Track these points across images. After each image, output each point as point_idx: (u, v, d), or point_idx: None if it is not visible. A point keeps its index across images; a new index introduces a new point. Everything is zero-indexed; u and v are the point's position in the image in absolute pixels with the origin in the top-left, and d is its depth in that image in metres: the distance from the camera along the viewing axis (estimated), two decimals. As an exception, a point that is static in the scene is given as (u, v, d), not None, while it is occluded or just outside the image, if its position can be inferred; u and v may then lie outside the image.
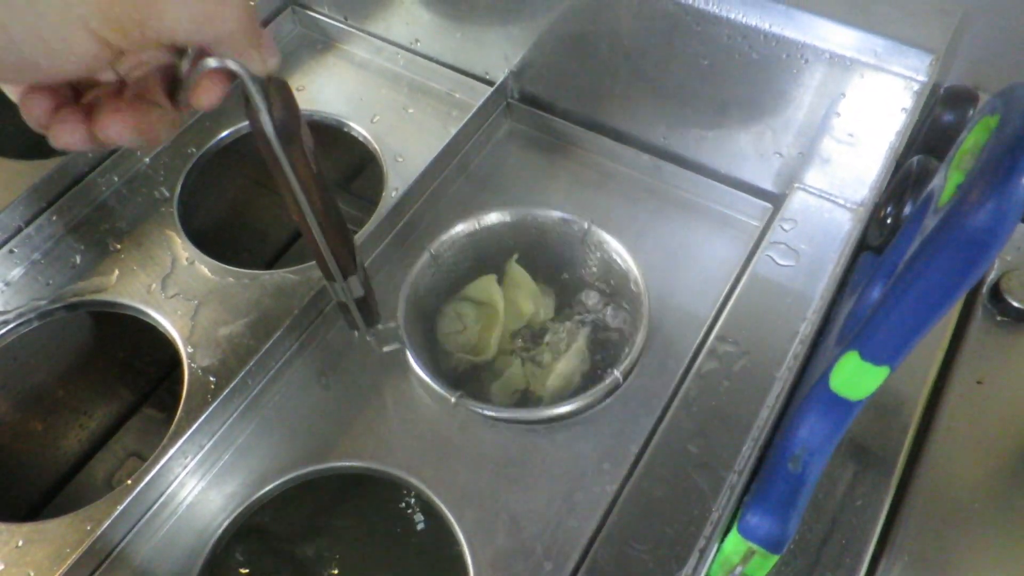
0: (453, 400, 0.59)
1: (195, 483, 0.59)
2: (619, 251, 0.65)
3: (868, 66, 0.58)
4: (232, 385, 0.59)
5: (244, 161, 0.82)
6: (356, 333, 0.60)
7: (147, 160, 0.75)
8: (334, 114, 0.79)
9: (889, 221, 0.55)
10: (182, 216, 0.72)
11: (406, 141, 0.77)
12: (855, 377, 0.40)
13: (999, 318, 0.62)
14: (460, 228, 0.68)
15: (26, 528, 0.56)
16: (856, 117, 0.61)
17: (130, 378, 0.84)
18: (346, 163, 0.93)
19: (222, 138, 0.77)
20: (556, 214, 0.68)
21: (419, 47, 0.82)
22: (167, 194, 0.73)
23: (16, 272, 0.68)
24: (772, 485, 0.44)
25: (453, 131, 0.73)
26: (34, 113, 0.34)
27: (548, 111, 0.78)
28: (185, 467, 0.58)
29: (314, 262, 0.66)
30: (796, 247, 0.65)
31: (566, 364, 0.63)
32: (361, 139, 0.78)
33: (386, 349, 0.62)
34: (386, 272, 0.69)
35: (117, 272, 0.68)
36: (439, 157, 0.72)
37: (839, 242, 0.65)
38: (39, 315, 0.66)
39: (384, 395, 0.62)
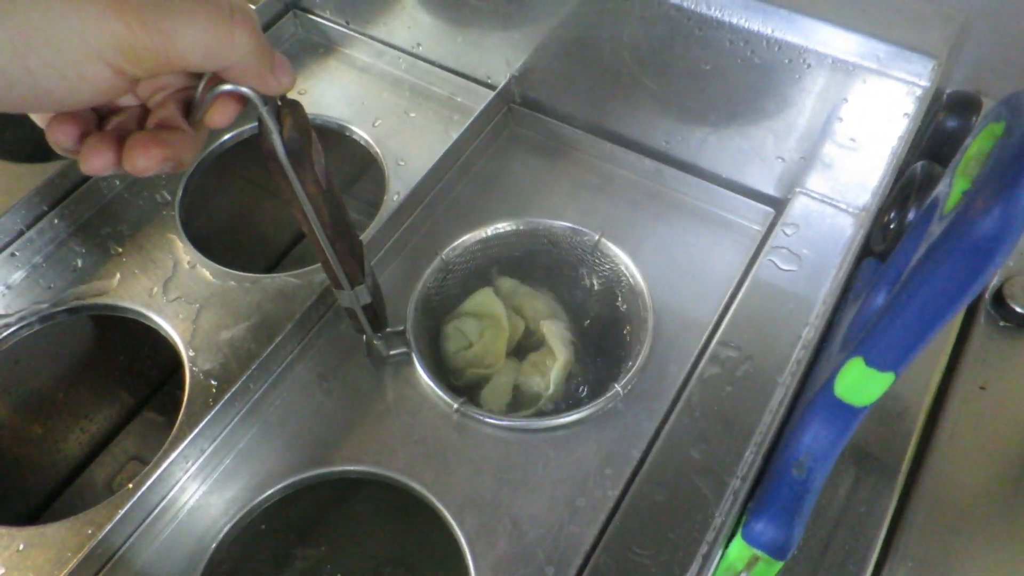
0: (456, 406, 0.59)
1: (196, 487, 0.58)
2: (626, 262, 0.66)
3: (870, 71, 0.58)
4: (234, 389, 0.59)
5: (245, 165, 0.82)
6: (364, 337, 0.60)
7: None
8: (336, 118, 0.79)
9: (892, 227, 0.55)
10: (183, 220, 0.72)
11: (408, 145, 0.77)
12: (860, 383, 0.40)
13: (1002, 323, 0.62)
14: (471, 235, 0.68)
15: (27, 532, 0.55)
16: (858, 122, 0.61)
17: (130, 382, 0.83)
18: (348, 167, 0.93)
19: (223, 142, 0.77)
20: (566, 224, 0.68)
21: (421, 51, 0.82)
22: (168, 198, 0.73)
23: (17, 275, 0.68)
24: (776, 491, 0.44)
25: (455, 135, 0.73)
26: (60, 140, 0.35)
27: (550, 115, 0.77)
28: (186, 471, 0.58)
29: (316, 265, 0.67)
30: (798, 252, 0.65)
31: (555, 364, 0.64)
32: (363, 143, 0.78)
33: (392, 353, 0.62)
34: (387, 276, 0.69)
35: (118, 276, 0.68)
36: (441, 161, 0.72)
37: (841, 247, 0.65)
38: (40, 318, 0.66)
39: (386, 399, 0.62)
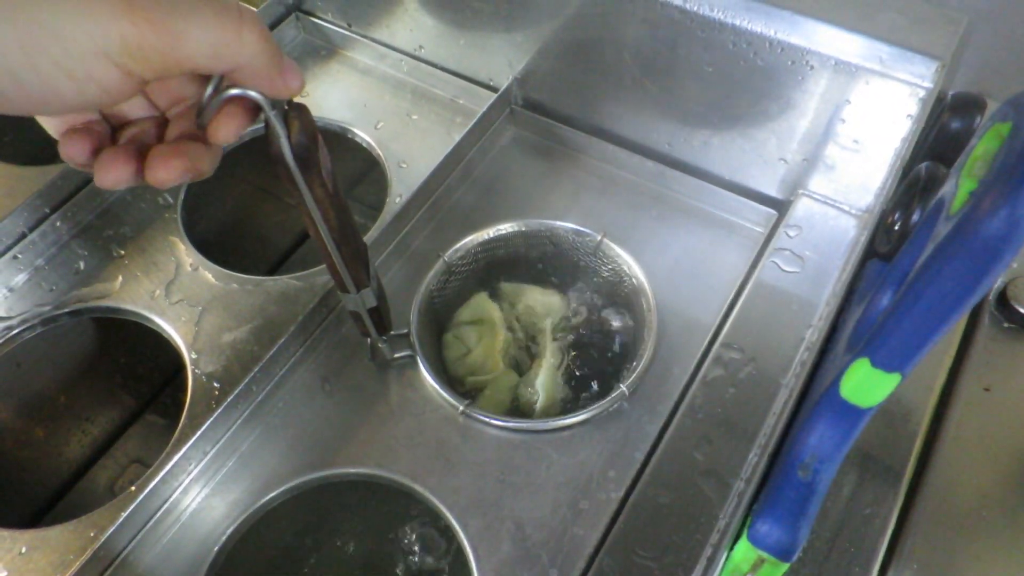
0: (461, 408, 0.59)
1: (199, 490, 0.58)
2: (629, 263, 0.66)
3: (874, 73, 0.58)
4: (236, 391, 0.59)
5: (247, 167, 0.82)
6: (368, 340, 0.60)
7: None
8: (338, 120, 0.79)
9: (897, 228, 0.55)
10: (186, 222, 0.72)
11: (410, 147, 0.77)
12: (865, 384, 0.40)
13: (1006, 325, 0.62)
14: (473, 236, 0.68)
15: (29, 535, 0.55)
16: (861, 124, 0.61)
17: (132, 384, 0.83)
18: (350, 169, 0.93)
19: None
20: (569, 225, 0.68)
21: (423, 53, 0.82)
22: (171, 200, 0.73)
23: (20, 278, 0.68)
24: (782, 493, 0.44)
25: (457, 137, 0.73)
26: (73, 154, 0.35)
27: (552, 117, 0.77)
28: (189, 474, 0.58)
29: (318, 267, 0.67)
30: (801, 254, 0.65)
31: (546, 368, 0.64)
32: (365, 145, 0.78)
33: (397, 356, 0.62)
34: (389, 278, 0.69)
35: (121, 278, 0.68)
36: (443, 163, 0.72)
37: (845, 248, 0.65)
38: (43, 321, 0.66)
39: (388, 402, 0.62)
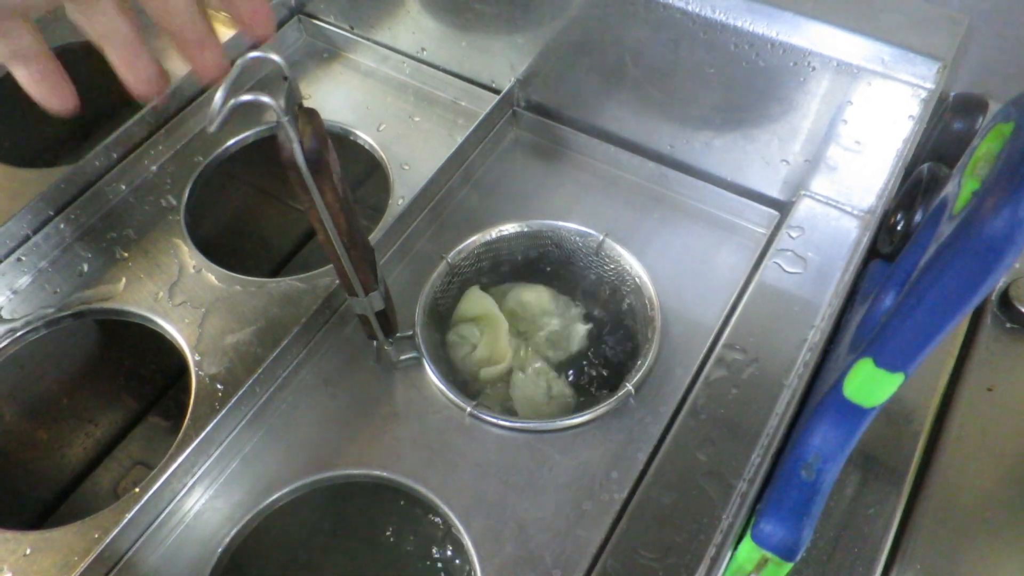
0: (468, 410, 0.59)
1: (203, 491, 0.58)
2: (632, 264, 0.66)
3: (875, 74, 0.58)
4: (240, 393, 0.59)
5: (250, 170, 0.82)
6: (375, 343, 0.60)
7: (154, 169, 0.76)
8: (340, 122, 0.79)
9: (899, 228, 0.55)
10: (189, 224, 0.72)
11: (412, 149, 0.77)
12: (869, 384, 0.40)
13: (1008, 325, 0.62)
14: (476, 237, 0.68)
15: (33, 536, 0.55)
16: (863, 125, 0.61)
17: (135, 386, 0.83)
18: (352, 171, 0.93)
19: (228, 147, 0.77)
20: (571, 226, 0.68)
21: (425, 56, 0.82)
22: (174, 202, 0.74)
23: (24, 280, 0.68)
24: (785, 492, 0.44)
25: (459, 139, 0.73)
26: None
27: (554, 119, 0.78)
28: (193, 475, 0.58)
29: (321, 270, 0.67)
30: (803, 255, 0.65)
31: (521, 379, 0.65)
32: (367, 147, 0.78)
33: (403, 358, 0.62)
34: (392, 280, 0.69)
35: (124, 280, 0.68)
36: (445, 165, 0.72)
37: (847, 249, 0.65)
38: (46, 323, 0.66)
39: (391, 403, 0.62)
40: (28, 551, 0.55)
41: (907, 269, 0.46)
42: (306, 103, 0.77)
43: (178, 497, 0.57)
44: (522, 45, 0.74)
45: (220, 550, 0.56)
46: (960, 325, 0.62)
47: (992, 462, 0.55)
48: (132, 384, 0.83)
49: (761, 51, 0.61)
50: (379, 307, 0.55)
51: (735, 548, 0.48)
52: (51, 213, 0.70)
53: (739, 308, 0.63)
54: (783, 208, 0.69)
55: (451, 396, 0.61)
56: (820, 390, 0.46)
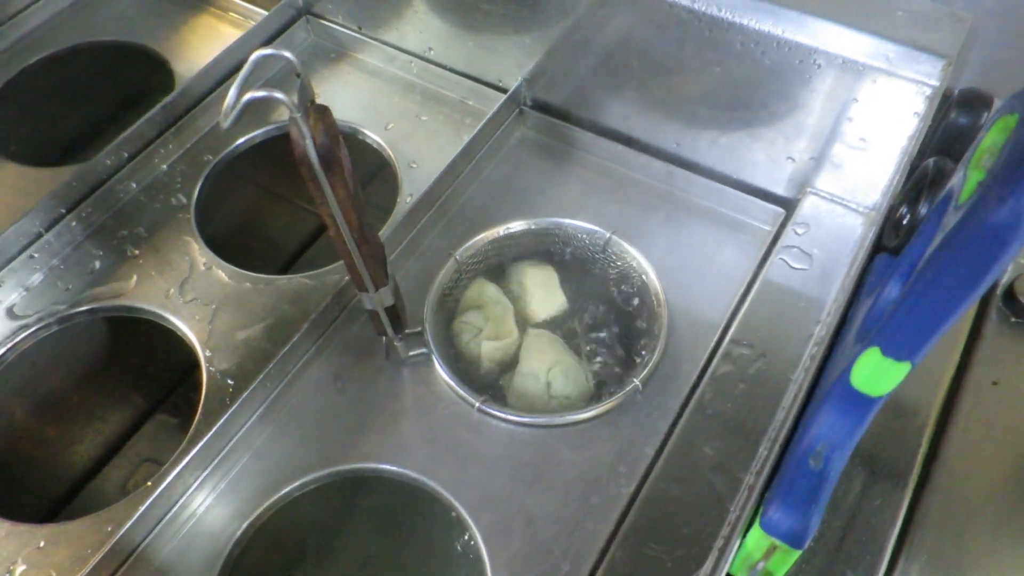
0: (477, 404, 0.60)
1: (214, 485, 0.59)
2: (639, 261, 0.66)
3: (880, 71, 0.59)
4: (251, 388, 0.59)
5: (259, 168, 0.82)
6: (384, 339, 0.61)
7: (164, 167, 0.76)
8: (348, 122, 0.80)
9: (905, 222, 0.56)
10: (199, 222, 0.73)
11: (420, 148, 0.78)
12: (876, 373, 0.40)
13: (1013, 320, 0.62)
14: (484, 235, 0.69)
15: (47, 529, 0.56)
16: (868, 122, 0.62)
17: (144, 384, 0.84)
18: (360, 170, 0.93)
19: (238, 145, 0.78)
20: (579, 223, 0.69)
21: (432, 55, 0.82)
22: (184, 200, 0.74)
23: (36, 278, 0.69)
24: (793, 481, 0.44)
25: (466, 138, 0.74)
26: None
27: (560, 118, 0.78)
28: (205, 469, 0.58)
29: (330, 267, 0.68)
30: (809, 251, 0.66)
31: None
32: (375, 146, 0.79)
33: (412, 354, 0.63)
34: (401, 277, 0.70)
35: (135, 277, 0.69)
36: (453, 164, 0.73)
37: (852, 246, 0.66)
38: (58, 320, 0.67)
39: (400, 398, 0.63)
40: (42, 543, 0.55)
41: (913, 260, 0.46)
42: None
43: (190, 491, 0.58)
44: (529, 44, 0.75)
45: (231, 543, 0.56)
46: (965, 319, 0.62)
47: (997, 454, 0.56)
48: (141, 382, 0.83)
49: (767, 49, 0.62)
50: (389, 303, 0.56)
51: (743, 536, 0.48)
52: (63, 211, 0.70)
53: (745, 304, 0.64)
54: (789, 205, 0.70)
55: (460, 391, 0.61)
56: (826, 382, 0.47)
